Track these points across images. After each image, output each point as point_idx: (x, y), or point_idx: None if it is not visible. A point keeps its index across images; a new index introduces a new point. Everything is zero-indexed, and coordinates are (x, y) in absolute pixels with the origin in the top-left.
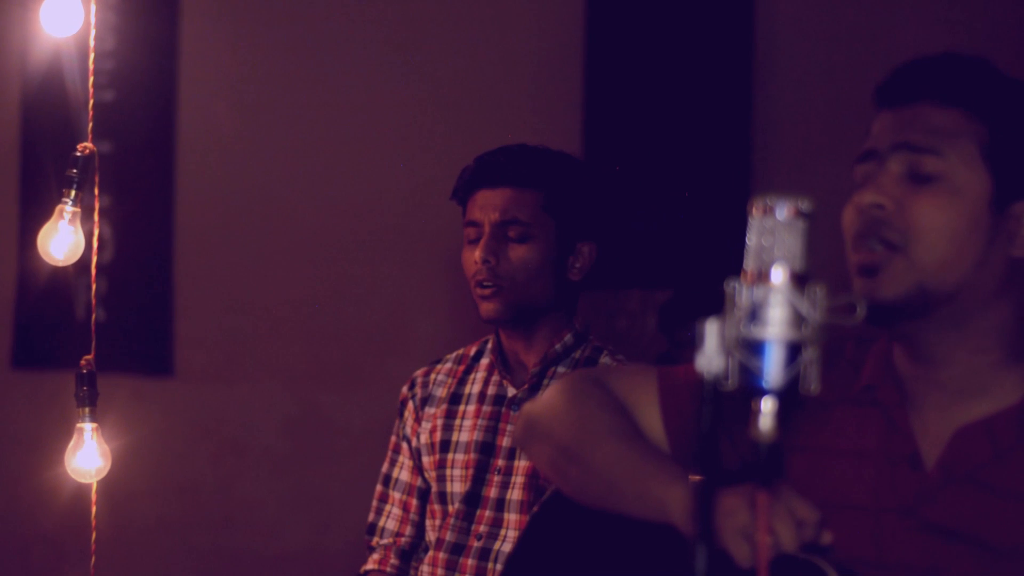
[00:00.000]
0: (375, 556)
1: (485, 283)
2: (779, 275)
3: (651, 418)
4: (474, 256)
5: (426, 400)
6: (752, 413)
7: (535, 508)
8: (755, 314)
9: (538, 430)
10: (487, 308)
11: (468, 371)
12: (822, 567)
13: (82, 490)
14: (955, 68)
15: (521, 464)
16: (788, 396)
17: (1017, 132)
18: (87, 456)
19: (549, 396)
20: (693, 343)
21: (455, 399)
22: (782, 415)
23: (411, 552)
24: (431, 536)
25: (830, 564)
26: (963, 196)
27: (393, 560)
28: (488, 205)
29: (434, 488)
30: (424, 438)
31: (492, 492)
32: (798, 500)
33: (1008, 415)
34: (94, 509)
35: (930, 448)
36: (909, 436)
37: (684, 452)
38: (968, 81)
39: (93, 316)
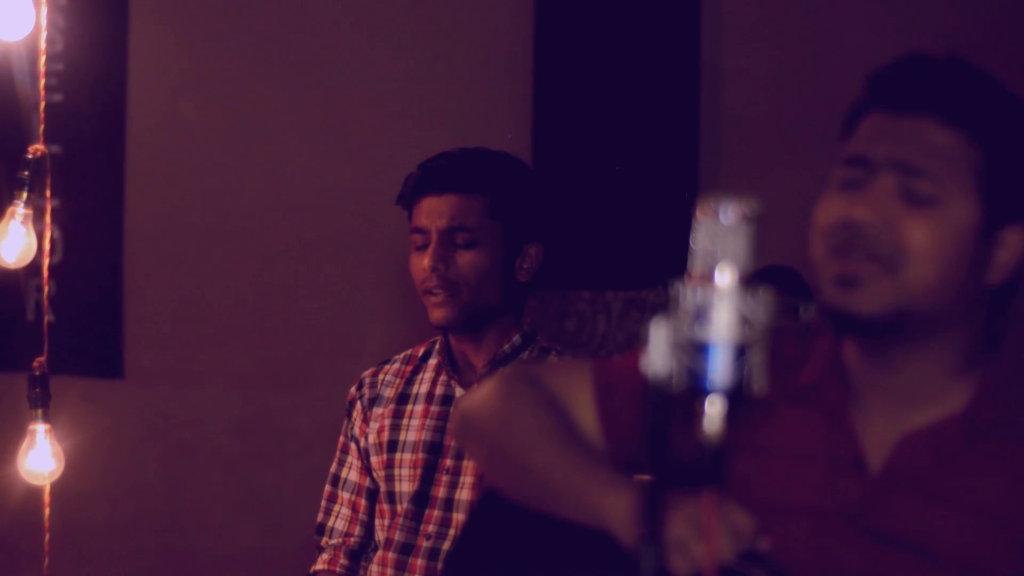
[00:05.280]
0: (324, 556)
1: (435, 290)
2: (725, 277)
3: (586, 416)
4: (423, 263)
5: (374, 400)
6: (697, 415)
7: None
8: (701, 316)
9: (473, 428)
10: (438, 315)
11: (416, 371)
12: None
13: (33, 491)
14: (961, 82)
15: (470, 464)
16: (733, 398)
17: (1012, 160)
18: (40, 457)
19: (483, 393)
20: None
21: (403, 399)
22: (727, 417)
23: (360, 552)
24: (380, 536)
25: (766, 573)
26: (955, 224)
27: (342, 560)
28: (434, 212)
29: (383, 488)
30: (372, 438)
31: (441, 492)
32: (734, 508)
33: (953, 422)
34: (47, 511)
35: (875, 452)
36: (853, 439)
37: (619, 450)
38: (973, 100)
39: (45, 318)
